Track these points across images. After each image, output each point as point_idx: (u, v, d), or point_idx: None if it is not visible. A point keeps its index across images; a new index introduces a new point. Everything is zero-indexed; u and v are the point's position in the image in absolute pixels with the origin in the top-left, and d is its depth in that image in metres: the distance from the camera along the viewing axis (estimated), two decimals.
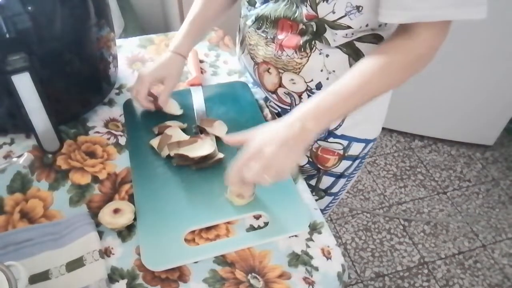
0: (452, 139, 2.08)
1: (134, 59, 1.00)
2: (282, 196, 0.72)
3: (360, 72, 0.63)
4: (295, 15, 0.70)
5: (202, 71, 0.97)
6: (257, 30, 0.78)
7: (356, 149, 0.86)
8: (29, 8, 0.64)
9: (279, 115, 0.89)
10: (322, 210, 0.99)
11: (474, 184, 1.92)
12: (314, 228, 0.69)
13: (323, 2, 0.65)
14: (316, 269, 0.64)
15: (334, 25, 0.68)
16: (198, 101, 0.87)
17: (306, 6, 0.68)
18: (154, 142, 0.77)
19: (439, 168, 1.98)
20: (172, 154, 0.74)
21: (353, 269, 1.59)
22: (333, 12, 0.66)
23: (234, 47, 1.05)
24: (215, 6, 0.83)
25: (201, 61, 1.00)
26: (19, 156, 0.64)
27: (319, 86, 0.77)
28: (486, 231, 1.74)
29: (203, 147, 0.74)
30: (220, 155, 0.75)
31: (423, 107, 1.98)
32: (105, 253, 0.63)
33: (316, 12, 0.67)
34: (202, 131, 0.80)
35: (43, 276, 0.59)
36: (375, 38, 0.71)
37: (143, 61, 0.99)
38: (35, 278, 0.59)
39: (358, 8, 0.64)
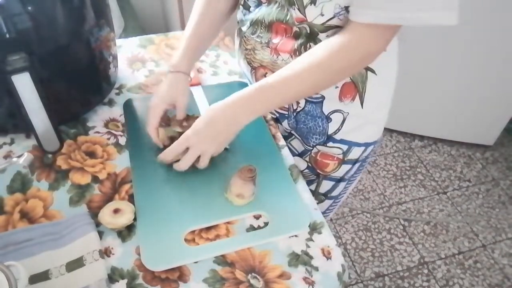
0: (452, 139, 2.08)
1: (134, 59, 1.00)
2: (282, 196, 0.72)
3: (295, 68, 0.65)
4: (287, 18, 0.69)
5: (199, 70, 0.97)
6: (252, 35, 0.77)
7: (356, 153, 0.85)
8: (29, 8, 0.64)
9: (277, 120, 0.88)
10: (322, 213, 0.99)
11: (474, 184, 1.92)
12: (314, 228, 0.69)
13: (311, 5, 0.64)
14: (316, 269, 0.64)
15: (324, 28, 0.67)
16: (201, 100, 0.87)
17: (294, 10, 0.67)
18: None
19: (439, 168, 1.98)
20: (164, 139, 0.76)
21: (353, 269, 1.59)
22: (322, 15, 0.65)
23: (234, 48, 1.05)
24: (210, 19, 0.80)
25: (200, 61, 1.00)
26: (19, 156, 0.64)
27: None
28: (486, 231, 1.74)
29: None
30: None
31: (423, 107, 1.98)
32: (105, 253, 0.63)
33: (305, 16, 0.66)
34: None
35: (43, 276, 0.59)
36: None
37: (143, 61, 0.99)
38: (35, 278, 0.59)
39: (347, 8, 0.63)
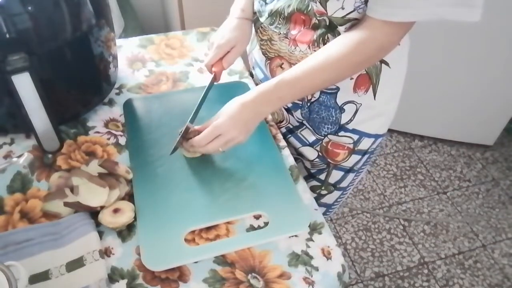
0: (452, 139, 2.07)
1: (134, 59, 1.00)
2: (282, 196, 0.72)
3: (314, 62, 0.68)
4: (308, 9, 0.71)
5: (199, 70, 0.97)
6: (270, 26, 0.78)
7: (366, 144, 0.86)
8: (29, 8, 0.64)
9: (288, 110, 0.88)
10: (330, 206, 0.99)
11: (474, 184, 1.92)
12: (314, 228, 0.69)
13: None
14: (316, 269, 0.64)
15: (343, 21, 0.68)
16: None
17: (316, 3, 0.68)
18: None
19: (439, 168, 1.98)
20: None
21: (353, 269, 1.59)
22: (342, 8, 0.67)
23: None
24: None
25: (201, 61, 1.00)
26: (19, 156, 0.64)
27: None
28: (486, 231, 1.74)
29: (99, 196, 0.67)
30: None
31: (423, 107, 1.98)
32: (105, 253, 0.63)
33: (326, 9, 0.68)
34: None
35: (43, 276, 0.59)
36: None
37: (143, 61, 0.99)
38: (35, 278, 0.59)
39: (367, 2, 0.65)
